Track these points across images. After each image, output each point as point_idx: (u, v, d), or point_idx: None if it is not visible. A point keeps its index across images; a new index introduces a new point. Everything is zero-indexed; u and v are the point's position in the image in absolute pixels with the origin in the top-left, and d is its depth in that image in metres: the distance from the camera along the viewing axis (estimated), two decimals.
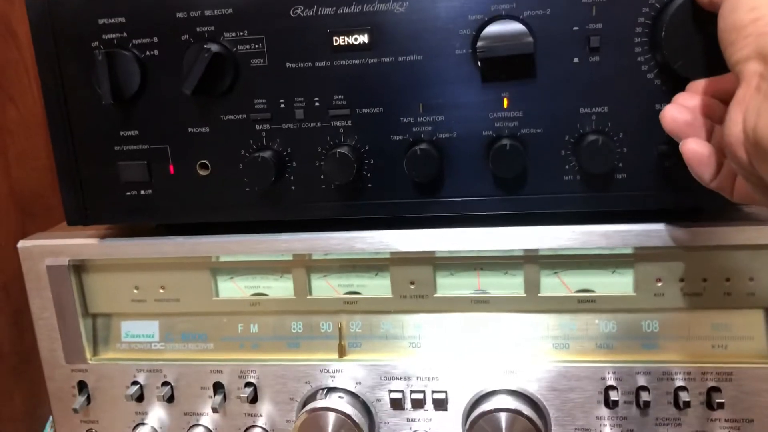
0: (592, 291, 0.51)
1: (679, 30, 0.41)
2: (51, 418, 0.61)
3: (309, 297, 0.54)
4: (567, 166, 0.46)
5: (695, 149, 0.39)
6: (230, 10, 0.46)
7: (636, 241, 0.48)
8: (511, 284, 0.52)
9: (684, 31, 0.41)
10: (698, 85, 0.42)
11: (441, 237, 0.50)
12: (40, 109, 0.79)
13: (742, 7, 0.34)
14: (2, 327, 0.77)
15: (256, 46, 0.47)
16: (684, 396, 0.49)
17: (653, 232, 0.48)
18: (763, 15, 0.32)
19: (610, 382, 0.51)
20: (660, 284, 0.50)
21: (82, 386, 0.57)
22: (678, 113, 0.40)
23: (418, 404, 0.53)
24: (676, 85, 0.43)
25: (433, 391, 0.53)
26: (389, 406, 0.53)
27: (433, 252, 0.51)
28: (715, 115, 0.41)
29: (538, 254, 0.51)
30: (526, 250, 0.50)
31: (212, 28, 0.47)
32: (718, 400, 0.49)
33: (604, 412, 0.51)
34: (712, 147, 0.39)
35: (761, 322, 0.50)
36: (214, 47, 0.46)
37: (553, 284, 0.51)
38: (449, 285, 0.53)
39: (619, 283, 0.51)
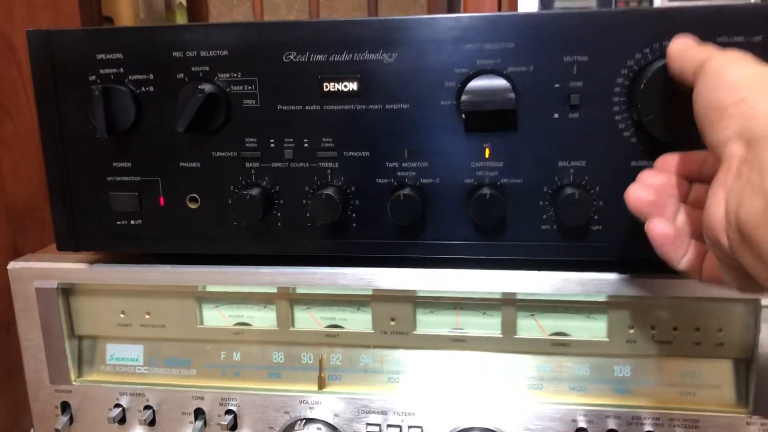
0: (567, 335, 0.53)
1: (654, 91, 0.43)
2: (32, 431, 0.62)
3: (291, 329, 0.55)
4: (545, 216, 0.48)
5: (661, 230, 0.38)
6: (225, 52, 0.48)
7: (610, 289, 0.50)
8: (489, 324, 0.53)
9: (659, 93, 0.43)
10: (665, 161, 0.42)
11: (422, 277, 0.51)
12: (35, 124, 0.79)
13: (723, 88, 0.33)
14: None
15: (249, 87, 0.48)
16: None
17: (627, 282, 0.49)
18: (746, 97, 0.32)
19: (582, 424, 0.52)
20: (632, 331, 0.51)
21: (65, 407, 0.58)
22: (642, 192, 0.40)
23: None
24: (651, 143, 0.45)
25: (410, 426, 0.54)
26: None
27: (414, 291, 0.53)
28: (681, 193, 0.40)
29: (515, 297, 0.52)
30: (504, 293, 0.52)
31: (207, 68, 0.48)
32: None
33: None
34: (678, 228, 0.39)
35: (729, 372, 0.51)
36: (208, 87, 0.47)
37: (529, 326, 0.53)
38: (429, 323, 0.54)
39: (593, 328, 0.52)
